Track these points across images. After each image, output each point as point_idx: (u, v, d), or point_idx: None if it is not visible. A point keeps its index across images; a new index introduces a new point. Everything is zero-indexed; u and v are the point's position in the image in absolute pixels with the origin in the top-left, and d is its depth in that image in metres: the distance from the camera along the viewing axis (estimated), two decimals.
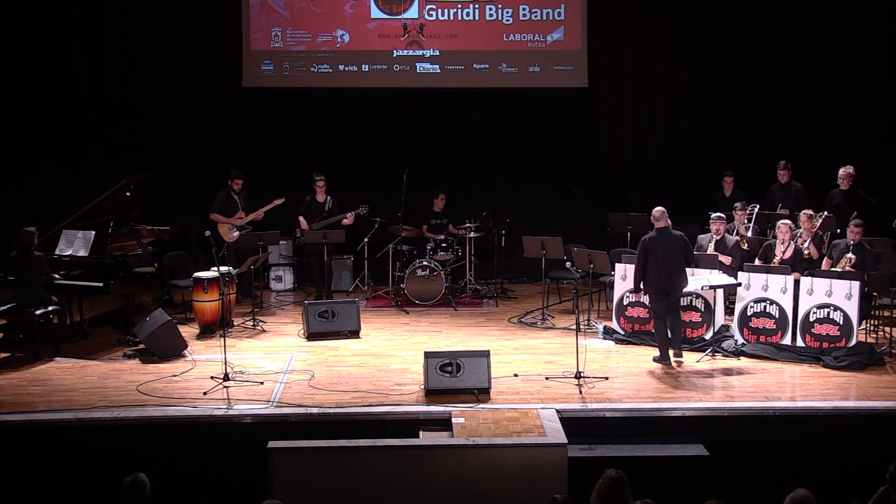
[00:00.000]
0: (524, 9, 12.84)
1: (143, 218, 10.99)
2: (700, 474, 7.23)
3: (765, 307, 9.49)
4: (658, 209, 9.28)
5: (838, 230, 10.69)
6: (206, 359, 9.26)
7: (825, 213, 10.74)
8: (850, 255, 9.62)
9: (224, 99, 12.84)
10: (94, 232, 9.98)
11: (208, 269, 10.28)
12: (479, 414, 7.74)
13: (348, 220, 11.68)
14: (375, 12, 12.83)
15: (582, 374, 8.52)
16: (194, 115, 12.71)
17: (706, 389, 8.45)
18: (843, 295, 9.12)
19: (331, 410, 7.83)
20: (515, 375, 8.71)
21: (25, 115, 12.58)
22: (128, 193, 10.30)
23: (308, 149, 12.85)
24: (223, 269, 9.99)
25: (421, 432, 7.55)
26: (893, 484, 5.67)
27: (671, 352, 9.18)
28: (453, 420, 7.59)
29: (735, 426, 7.82)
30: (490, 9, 12.82)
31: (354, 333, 10.16)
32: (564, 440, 7.08)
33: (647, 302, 9.63)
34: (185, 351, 9.40)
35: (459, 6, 12.82)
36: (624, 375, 8.79)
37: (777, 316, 9.44)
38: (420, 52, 12.87)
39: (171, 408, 7.88)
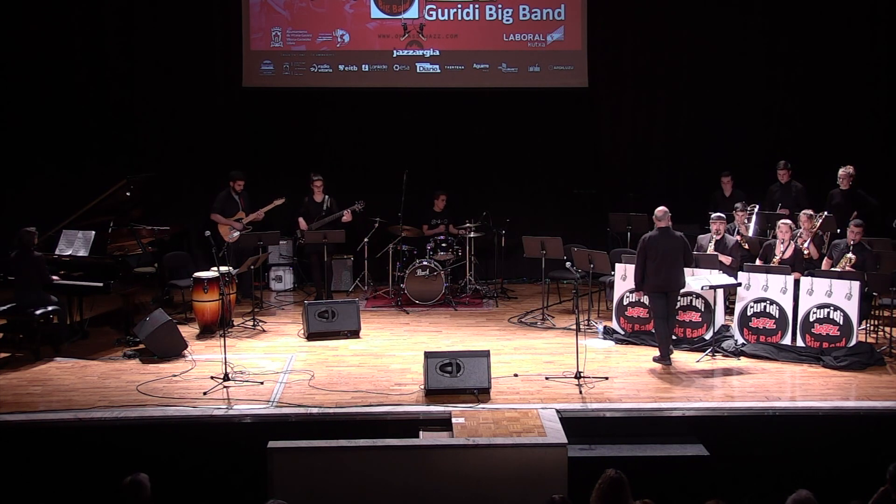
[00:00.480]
0: (524, 9, 12.84)
1: (143, 218, 10.98)
2: (700, 474, 7.22)
3: (765, 307, 9.49)
4: (660, 209, 9.31)
5: (838, 230, 10.69)
6: (206, 359, 9.26)
7: (825, 213, 10.74)
8: (850, 255, 9.63)
9: (224, 99, 12.85)
10: (94, 232, 9.98)
11: (208, 269, 10.28)
12: (479, 414, 7.74)
13: (346, 217, 11.69)
14: (375, 12, 12.83)
15: (582, 374, 8.52)
16: (194, 116, 12.71)
17: (706, 389, 8.45)
18: (843, 295, 9.12)
19: (331, 410, 7.83)
20: (515, 375, 8.71)
21: (25, 114, 12.58)
22: (128, 193, 10.30)
23: (308, 149, 12.86)
24: (223, 269, 9.99)
25: (421, 432, 7.55)
26: (893, 484, 5.67)
27: (657, 352, 9.26)
28: (453, 420, 7.59)
29: (735, 426, 7.82)
30: (490, 9, 12.82)
31: (354, 333, 10.16)
32: (564, 440, 7.08)
33: (646, 301, 9.63)
34: (185, 351, 9.40)
35: (459, 6, 12.82)
36: (624, 375, 8.79)
37: (777, 316, 9.44)
38: (420, 52, 12.87)
39: (171, 408, 7.88)
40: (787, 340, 9.38)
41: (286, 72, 12.89)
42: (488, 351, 8.46)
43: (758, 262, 9.98)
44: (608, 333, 10.08)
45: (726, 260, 9.98)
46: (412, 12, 12.80)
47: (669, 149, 13.03)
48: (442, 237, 11.92)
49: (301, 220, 11.75)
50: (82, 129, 12.68)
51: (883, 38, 12.75)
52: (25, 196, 12.22)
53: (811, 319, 9.28)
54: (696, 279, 9.29)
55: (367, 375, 8.77)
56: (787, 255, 9.82)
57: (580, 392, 8.25)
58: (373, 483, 6.77)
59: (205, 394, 8.18)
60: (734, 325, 9.71)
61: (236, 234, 11.46)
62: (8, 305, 9.39)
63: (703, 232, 10.56)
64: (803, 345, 9.31)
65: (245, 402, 8.02)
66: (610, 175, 13.02)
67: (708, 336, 9.62)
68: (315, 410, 7.82)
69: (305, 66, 12.89)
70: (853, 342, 9.09)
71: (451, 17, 12.83)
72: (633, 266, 9.68)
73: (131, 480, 5.43)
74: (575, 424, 7.54)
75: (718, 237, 10.14)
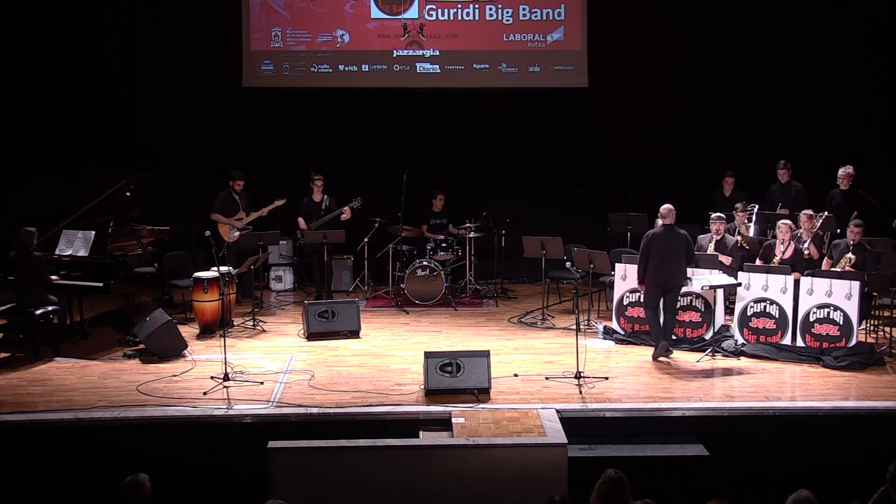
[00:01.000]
0: (524, 9, 12.84)
1: (143, 218, 10.99)
2: (700, 474, 7.22)
3: (765, 307, 9.49)
4: (666, 206, 9.41)
5: (838, 230, 10.69)
6: (206, 359, 9.26)
7: (825, 213, 10.74)
8: (850, 255, 9.63)
9: (224, 99, 12.85)
10: (94, 232, 9.97)
11: (208, 269, 10.28)
12: (479, 414, 7.74)
13: (345, 215, 11.69)
14: (375, 12, 12.83)
15: (582, 374, 8.52)
16: (194, 115, 12.71)
17: (706, 389, 8.44)
18: (843, 295, 9.12)
19: (331, 410, 7.83)
20: (515, 375, 8.71)
21: (25, 114, 12.57)
22: (128, 193, 10.30)
23: (308, 149, 12.86)
24: (223, 269, 9.99)
25: (421, 432, 7.55)
26: (893, 484, 5.67)
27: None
28: (453, 420, 7.59)
29: (735, 426, 7.82)
30: (490, 9, 12.82)
31: (354, 333, 10.16)
32: (564, 440, 7.08)
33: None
34: (185, 351, 9.40)
35: (459, 6, 12.82)
36: (624, 375, 8.79)
37: (777, 316, 9.44)
38: (420, 52, 12.87)
39: (171, 408, 7.88)
40: (787, 340, 9.38)
41: (286, 72, 12.90)
42: (488, 351, 8.46)
43: (758, 262, 9.98)
44: (608, 333, 10.08)
45: (726, 260, 9.98)
46: (412, 12, 12.81)
47: (669, 149, 13.03)
48: (442, 237, 11.92)
49: (300, 220, 11.76)
50: (82, 129, 12.69)
51: (883, 38, 12.75)
52: (25, 196, 12.22)
53: (811, 319, 9.28)
54: (696, 279, 9.30)
55: (367, 375, 8.77)
56: (787, 255, 9.82)
57: (580, 392, 8.25)
58: (373, 483, 6.77)
59: (205, 394, 8.17)
60: (734, 325, 9.71)
61: (236, 234, 11.46)
62: (8, 305, 9.39)
63: (704, 232, 10.56)
64: (803, 345, 9.31)
65: (245, 402, 8.02)
66: (610, 175, 13.03)
67: (708, 336, 9.62)
68: (315, 410, 7.82)
69: (305, 66, 12.89)
70: (853, 342, 9.09)
71: (451, 17, 12.83)
72: (633, 266, 9.72)
73: (131, 480, 5.43)
74: (575, 424, 7.54)
75: (718, 237, 10.15)
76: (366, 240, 12.05)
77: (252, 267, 11.00)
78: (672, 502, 6.24)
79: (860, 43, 12.74)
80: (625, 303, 10.01)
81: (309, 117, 12.95)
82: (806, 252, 10.02)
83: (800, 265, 9.78)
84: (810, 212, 10.38)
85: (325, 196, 11.76)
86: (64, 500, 7.36)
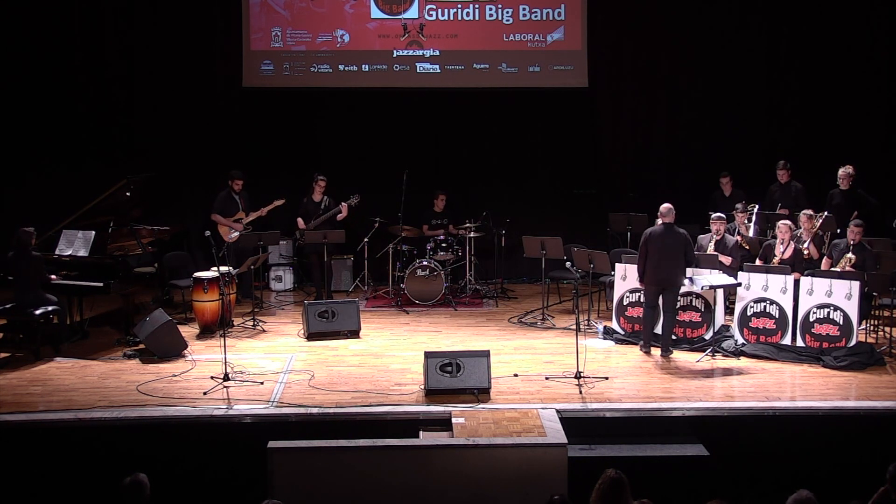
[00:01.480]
0: (524, 9, 12.84)
1: (143, 218, 10.99)
2: (700, 474, 7.22)
3: (765, 307, 9.49)
4: (666, 205, 9.44)
5: (838, 230, 10.69)
6: (206, 359, 9.26)
7: (825, 213, 10.74)
8: (850, 255, 9.63)
9: (224, 99, 12.85)
10: (94, 232, 9.98)
11: (208, 269, 10.28)
12: (479, 414, 7.74)
13: (343, 213, 11.67)
14: (375, 12, 12.83)
15: (582, 374, 8.52)
16: (194, 115, 12.71)
17: (706, 389, 8.44)
18: (843, 295, 9.12)
19: (331, 410, 7.83)
20: (515, 375, 8.71)
21: (25, 114, 12.57)
22: (128, 193, 10.30)
23: (308, 149, 12.86)
24: (223, 269, 9.99)
25: (421, 432, 7.55)
26: (893, 484, 5.67)
27: (659, 353, 9.33)
28: (453, 420, 7.59)
29: (735, 426, 7.82)
30: (490, 9, 12.82)
31: (354, 333, 10.16)
32: (564, 440, 7.08)
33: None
34: (185, 351, 9.40)
35: (459, 6, 12.82)
36: (624, 375, 8.79)
37: (777, 316, 9.44)
38: (420, 52, 12.87)
39: (171, 408, 7.88)
40: (787, 340, 9.38)
41: (286, 72, 12.89)
42: (488, 351, 8.46)
43: (758, 262, 9.98)
44: (608, 333, 10.08)
45: (726, 260, 9.98)
46: (412, 12, 12.80)
47: (669, 149, 13.03)
48: (442, 237, 11.93)
49: (300, 220, 11.75)
50: (82, 129, 12.68)
51: (883, 38, 12.75)
52: (25, 196, 12.22)
53: (811, 319, 9.28)
54: (697, 279, 9.30)
55: (367, 375, 8.77)
56: (787, 255, 9.82)
57: (580, 392, 8.25)
58: (373, 483, 6.77)
59: (205, 394, 8.17)
60: (734, 325, 9.71)
61: (236, 234, 11.46)
62: (8, 305, 9.39)
63: (703, 232, 10.56)
64: (803, 345, 9.31)
65: (245, 402, 8.02)
66: (610, 175, 13.03)
67: (708, 336, 9.62)
68: (315, 410, 7.82)
69: (305, 66, 12.89)
70: (853, 342, 9.09)
71: (451, 17, 12.83)
72: (633, 266, 9.73)
73: (131, 481, 5.44)
74: (575, 424, 7.54)
75: (718, 237, 10.15)
76: (366, 240, 12.05)
77: (252, 267, 11.00)
78: (672, 502, 6.25)
79: (860, 43, 12.74)
80: (625, 303, 10.01)
81: (309, 117, 12.95)
82: (806, 252, 10.02)
83: (800, 265, 9.78)
84: (810, 212, 10.38)
85: (325, 196, 11.76)
86: (64, 500, 7.35)
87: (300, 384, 8.50)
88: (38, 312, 9.26)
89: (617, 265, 10.15)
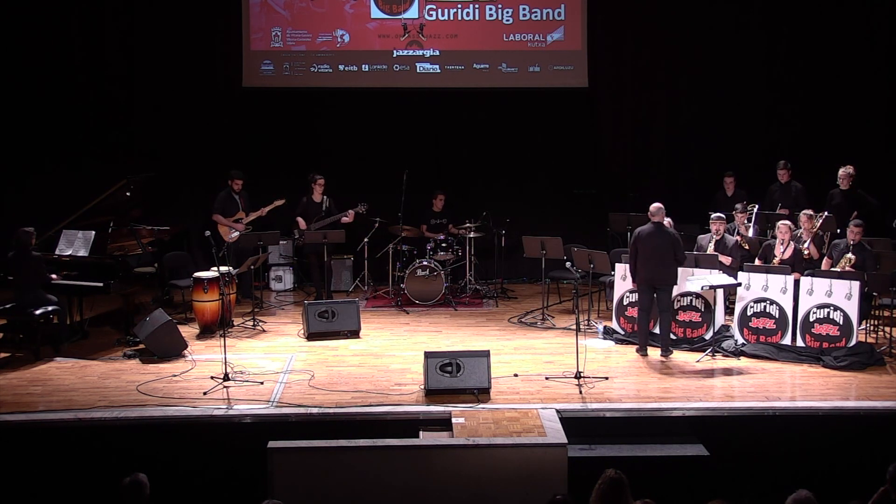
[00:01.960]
0: (524, 9, 12.84)
1: (143, 218, 10.99)
2: (700, 474, 7.22)
3: (765, 307, 9.49)
4: (655, 205, 9.41)
5: (838, 230, 10.69)
6: (206, 359, 9.26)
7: (825, 213, 10.75)
8: (850, 255, 9.62)
9: (224, 99, 12.85)
10: (94, 232, 9.97)
11: (208, 269, 10.28)
12: (479, 414, 7.74)
13: (348, 218, 11.68)
14: (375, 12, 12.83)
15: (582, 374, 8.52)
16: (194, 115, 12.71)
17: (706, 389, 8.44)
18: (843, 295, 9.12)
19: (331, 410, 7.83)
20: (515, 375, 8.71)
21: (25, 114, 12.57)
22: (128, 193, 10.30)
23: (308, 149, 12.86)
24: (223, 269, 9.99)
25: (421, 432, 7.55)
26: (893, 484, 5.67)
27: (658, 352, 9.33)
28: (453, 420, 7.59)
29: (735, 426, 7.82)
30: (490, 9, 12.82)
31: (354, 333, 10.16)
32: (564, 440, 7.08)
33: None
34: (185, 351, 9.40)
35: (459, 6, 12.82)
36: (624, 375, 8.80)
37: (777, 316, 9.44)
38: (420, 52, 12.87)
39: (171, 408, 7.88)
40: (787, 340, 9.38)
41: (286, 72, 12.90)
42: (488, 351, 8.46)
43: (757, 262, 9.98)
44: (608, 333, 10.08)
45: (726, 260, 9.98)
46: (412, 12, 12.81)
47: (669, 149, 13.03)
48: (442, 237, 11.92)
49: (300, 219, 11.75)
50: (82, 129, 12.69)
51: (883, 39, 12.75)
52: (25, 196, 12.22)
53: (811, 319, 9.28)
54: (697, 279, 9.31)
55: (367, 375, 8.77)
56: (787, 255, 9.82)
57: (580, 392, 8.25)
58: (373, 483, 6.77)
59: (205, 394, 8.17)
60: (734, 325, 9.71)
61: (236, 234, 11.46)
62: (8, 305, 9.39)
63: (703, 232, 10.56)
64: (803, 345, 9.31)
65: (245, 402, 8.02)
66: (610, 175, 13.03)
67: (708, 336, 9.62)
68: (315, 410, 7.82)
69: (305, 66, 12.89)
70: (853, 342, 9.08)
71: (451, 17, 12.83)
72: None
73: (131, 481, 5.44)
74: (575, 424, 7.54)
75: (718, 237, 10.15)
76: (366, 240, 12.05)
77: (252, 267, 11.00)
78: (672, 502, 6.24)
79: (860, 43, 12.74)
80: (625, 303, 10.01)
81: (309, 117, 12.95)
82: (806, 252, 10.02)
83: (800, 265, 9.78)
84: (810, 212, 10.38)
85: (325, 197, 11.76)
86: (64, 500, 7.35)
87: (300, 384, 8.50)
88: (38, 312, 9.26)
89: (617, 265, 10.14)
